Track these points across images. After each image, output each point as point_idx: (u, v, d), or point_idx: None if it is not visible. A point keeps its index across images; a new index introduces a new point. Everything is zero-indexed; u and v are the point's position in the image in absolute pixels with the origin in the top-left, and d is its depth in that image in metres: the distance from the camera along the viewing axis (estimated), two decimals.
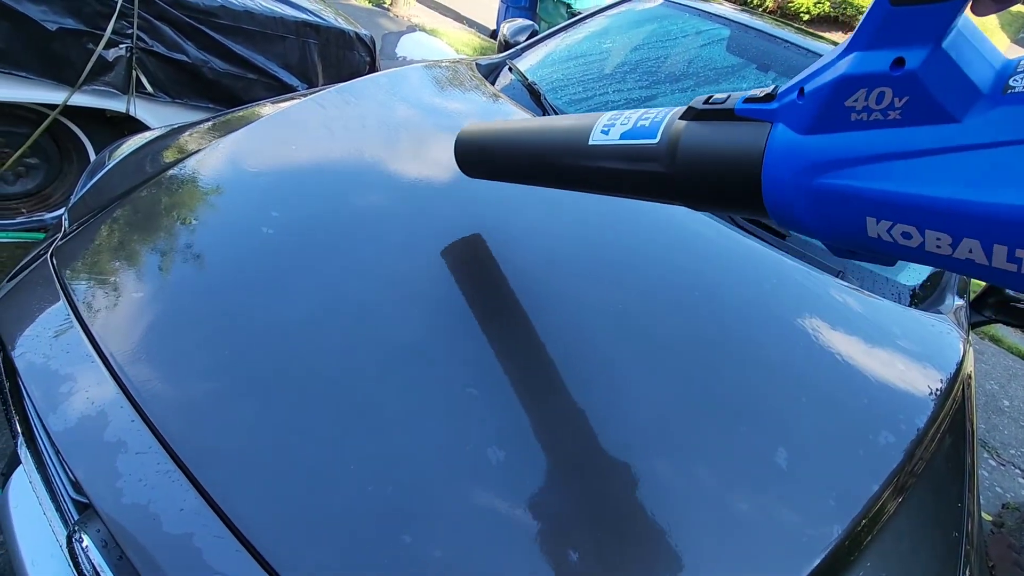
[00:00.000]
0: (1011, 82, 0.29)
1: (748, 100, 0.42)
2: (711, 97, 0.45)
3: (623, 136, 0.50)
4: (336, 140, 1.18)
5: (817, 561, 0.65)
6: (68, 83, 1.79)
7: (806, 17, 8.44)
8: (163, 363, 0.68)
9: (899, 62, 0.30)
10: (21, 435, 0.79)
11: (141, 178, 1.00)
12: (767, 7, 8.61)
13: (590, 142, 0.53)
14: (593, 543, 0.58)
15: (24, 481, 1.06)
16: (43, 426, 0.67)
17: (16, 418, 0.79)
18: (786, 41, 1.77)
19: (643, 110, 0.52)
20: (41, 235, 2.00)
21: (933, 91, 0.29)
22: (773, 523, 0.68)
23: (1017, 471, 3.27)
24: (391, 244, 0.87)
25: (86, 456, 0.62)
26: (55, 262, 0.82)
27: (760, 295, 1.05)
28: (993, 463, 3.26)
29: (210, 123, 1.24)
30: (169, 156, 1.08)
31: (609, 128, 0.52)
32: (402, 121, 1.33)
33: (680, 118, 0.47)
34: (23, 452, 0.79)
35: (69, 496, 0.67)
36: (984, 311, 1.55)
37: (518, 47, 2.00)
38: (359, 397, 0.65)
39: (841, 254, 0.40)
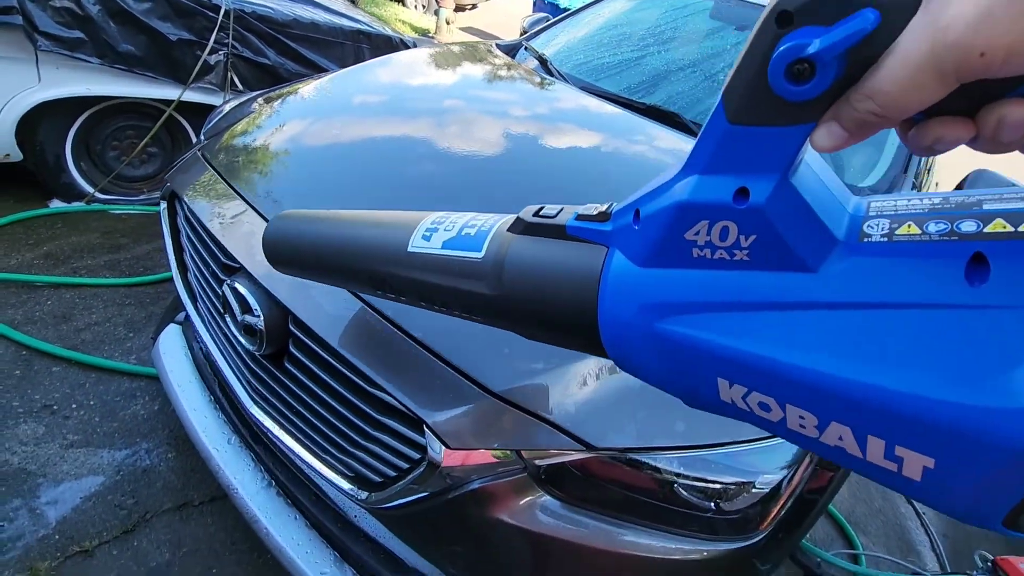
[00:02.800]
0: (866, 228, 0.24)
1: (581, 217, 0.36)
2: (541, 208, 0.40)
3: (445, 245, 0.43)
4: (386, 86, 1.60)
5: None
6: (181, 82, 2.31)
7: None
8: (278, 195, 1.08)
9: (743, 193, 0.24)
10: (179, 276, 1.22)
11: (251, 110, 1.44)
12: None
13: (409, 248, 0.45)
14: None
15: (173, 335, 1.49)
16: (203, 233, 1.08)
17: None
18: None
19: (472, 215, 0.46)
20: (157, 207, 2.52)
21: (783, 232, 0.24)
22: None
23: None
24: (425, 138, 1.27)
25: (232, 239, 1.02)
26: (202, 153, 1.25)
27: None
28: None
29: (289, 87, 1.68)
30: (271, 98, 1.53)
31: (431, 233, 0.45)
32: (440, 77, 1.75)
33: (508, 230, 0.41)
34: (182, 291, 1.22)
35: (221, 263, 1.05)
36: None
37: (533, 31, 2.39)
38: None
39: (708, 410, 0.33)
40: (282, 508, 1.18)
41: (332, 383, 0.90)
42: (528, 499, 0.83)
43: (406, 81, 1.75)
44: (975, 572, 1.84)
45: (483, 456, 0.81)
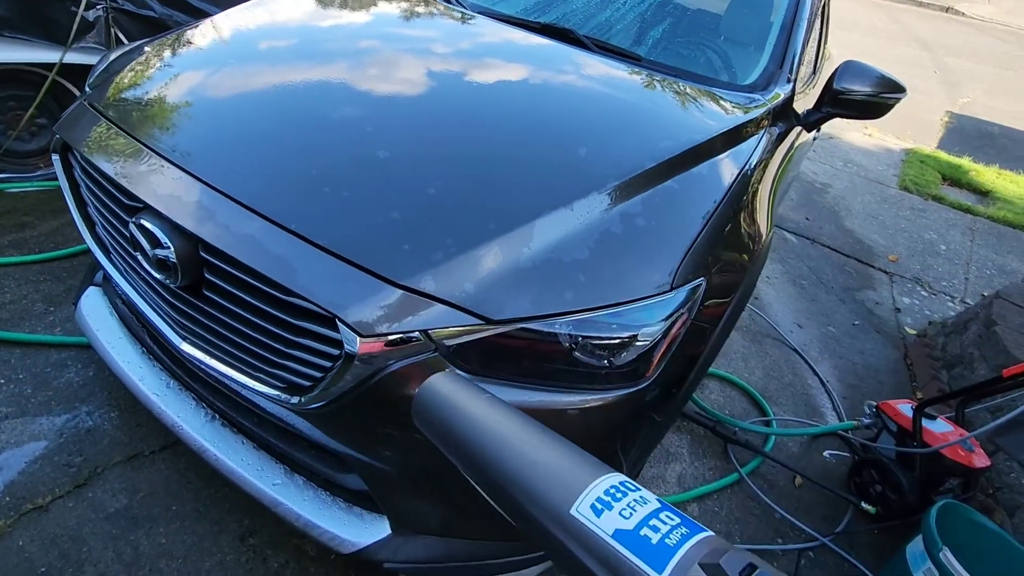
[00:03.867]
0: None
1: None
2: (752, 567, 0.35)
3: (618, 536, 0.36)
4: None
5: (604, 187, 1.06)
6: (61, 44, 2.17)
7: None
8: (172, 132, 1.09)
9: None
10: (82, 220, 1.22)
11: (135, 58, 1.41)
12: None
13: (572, 510, 0.38)
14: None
15: (94, 297, 1.49)
16: (101, 179, 1.08)
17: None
18: None
19: (666, 510, 0.38)
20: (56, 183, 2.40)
21: None
22: (575, 167, 1.10)
23: (948, 298, 3.65)
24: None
25: (131, 178, 1.04)
26: (89, 103, 1.23)
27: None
28: (925, 293, 3.65)
29: (174, 32, 1.63)
30: (158, 43, 1.48)
31: (604, 508, 0.37)
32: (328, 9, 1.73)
33: (701, 565, 0.34)
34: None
35: (124, 204, 1.07)
36: (822, 108, 1.91)
37: None
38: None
39: None
40: (228, 436, 1.26)
41: (250, 300, 0.96)
42: None
43: (294, 15, 1.72)
44: (863, 418, 2.13)
45: (396, 341, 0.90)
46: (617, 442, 1.11)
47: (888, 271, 3.77)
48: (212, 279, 1.00)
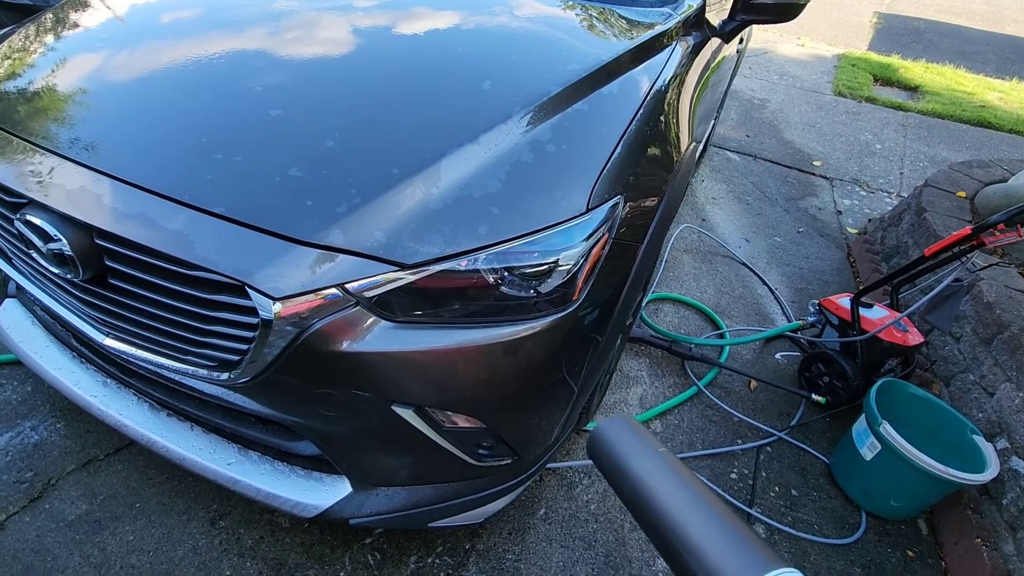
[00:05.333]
0: None
1: None
2: None
3: None
4: None
5: (511, 118, 1.05)
6: None
7: None
8: (44, 120, 1.02)
9: None
10: None
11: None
12: None
13: None
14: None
15: (11, 308, 1.42)
16: None
17: None
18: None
19: None
20: None
21: None
22: (479, 101, 1.07)
23: (885, 195, 3.77)
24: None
25: (6, 173, 0.97)
26: None
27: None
28: (863, 193, 3.76)
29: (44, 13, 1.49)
30: (23, 27, 1.36)
31: None
32: None
33: None
34: None
35: (7, 203, 1.01)
36: (736, 16, 1.89)
37: None
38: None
39: None
40: (175, 424, 1.24)
41: (158, 281, 0.93)
42: (367, 327, 0.93)
43: None
44: (808, 317, 2.22)
45: (312, 300, 0.88)
46: (562, 366, 1.13)
47: (828, 176, 3.87)
48: (115, 266, 0.96)
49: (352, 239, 0.89)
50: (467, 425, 1.07)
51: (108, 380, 1.29)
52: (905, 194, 3.68)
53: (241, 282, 0.86)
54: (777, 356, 2.26)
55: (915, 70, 5.79)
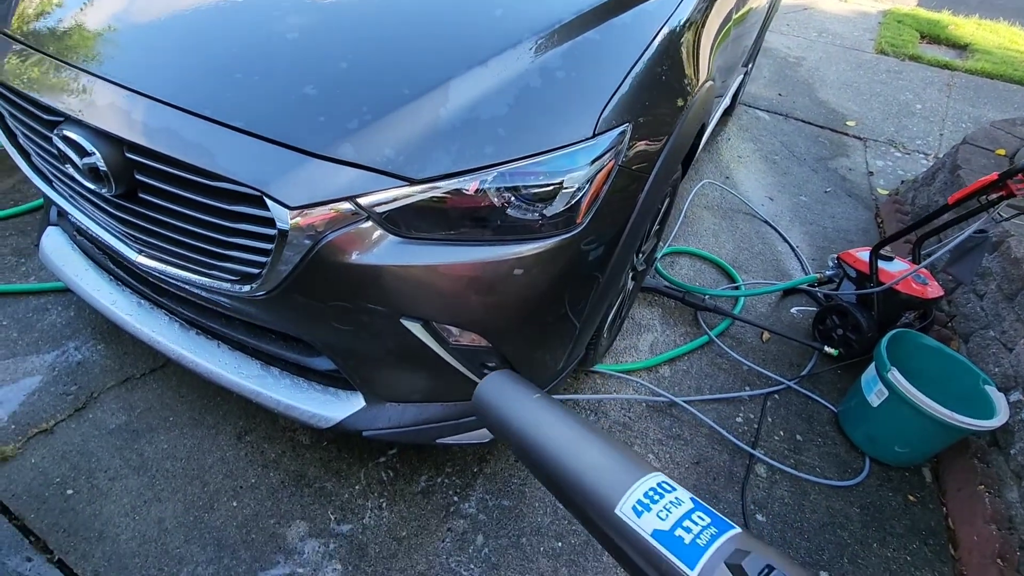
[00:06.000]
0: None
1: None
2: (770, 569, 0.38)
3: (656, 535, 0.40)
4: None
5: (521, 43, 1.07)
6: None
7: None
8: (79, 42, 1.08)
9: None
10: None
11: None
12: None
13: (617, 510, 0.42)
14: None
15: (53, 236, 1.52)
16: (18, 98, 1.08)
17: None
18: None
19: (689, 502, 0.42)
20: None
21: None
22: (490, 27, 1.09)
23: (920, 155, 3.64)
24: None
25: (44, 90, 1.04)
26: None
27: None
28: (898, 154, 3.63)
29: None
30: None
31: (644, 510, 0.41)
32: None
33: (727, 564, 0.38)
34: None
35: (44, 120, 1.08)
36: None
37: None
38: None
39: None
40: (203, 342, 1.32)
41: (183, 194, 0.99)
42: (376, 241, 0.97)
43: None
44: (826, 271, 2.20)
45: (325, 212, 0.93)
46: (565, 292, 1.17)
47: (862, 137, 3.74)
48: (144, 180, 1.02)
49: (363, 154, 0.93)
50: (473, 343, 1.12)
51: (142, 301, 1.38)
52: (942, 156, 3.54)
53: (259, 191, 0.91)
54: (793, 310, 2.26)
55: (966, 27, 5.47)
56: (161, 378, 1.59)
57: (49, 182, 1.29)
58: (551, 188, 1.02)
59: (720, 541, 0.40)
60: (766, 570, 0.37)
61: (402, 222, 0.98)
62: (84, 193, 1.16)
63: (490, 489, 1.46)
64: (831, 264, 2.20)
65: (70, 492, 1.31)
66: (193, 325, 1.34)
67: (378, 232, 0.97)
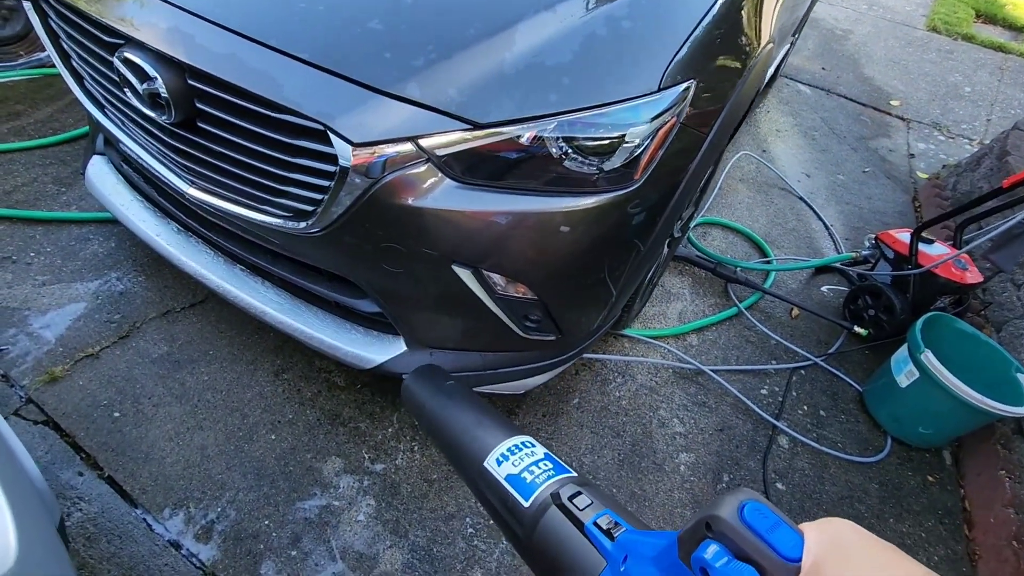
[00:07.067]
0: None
1: (596, 525, 0.41)
2: (578, 495, 0.45)
3: (508, 478, 0.48)
4: None
5: None
6: None
7: None
8: None
9: None
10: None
11: None
12: None
13: (484, 463, 0.50)
14: None
15: (99, 165, 1.53)
16: (78, 19, 1.07)
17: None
18: None
19: (542, 455, 0.50)
20: (48, 70, 2.35)
21: None
22: None
23: (965, 140, 3.53)
24: None
25: (107, 11, 1.03)
26: None
27: None
28: (942, 138, 3.52)
29: None
30: None
31: (504, 460, 0.49)
32: None
33: (551, 495, 0.46)
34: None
35: (105, 43, 1.07)
36: None
37: None
38: None
39: None
40: (249, 278, 1.34)
41: (244, 124, 0.99)
42: (434, 184, 0.97)
43: None
44: (862, 251, 2.17)
45: (386, 151, 0.93)
46: (605, 261, 1.16)
47: (905, 117, 3.62)
48: (205, 108, 1.02)
49: (427, 93, 0.92)
50: (519, 294, 1.13)
51: (188, 234, 1.40)
52: (989, 142, 3.43)
53: (323, 125, 0.91)
54: (823, 289, 2.24)
55: None
56: (201, 313, 1.62)
57: (102, 108, 1.29)
58: (611, 141, 1.00)
59: (553, 480, 0.48)
60: (576, 493, 0.44)
61: (460, 167, 0.97)
62: (139, 120, 1.16)
63: None
64: (867, 244, 2.17)
65: (117, 415, 1.36)
66: (238, 261, 1.36)
67: (436, 175, 0.97)
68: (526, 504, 0.46)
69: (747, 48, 1.28)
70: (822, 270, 2.30)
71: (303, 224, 1.05)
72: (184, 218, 1.37)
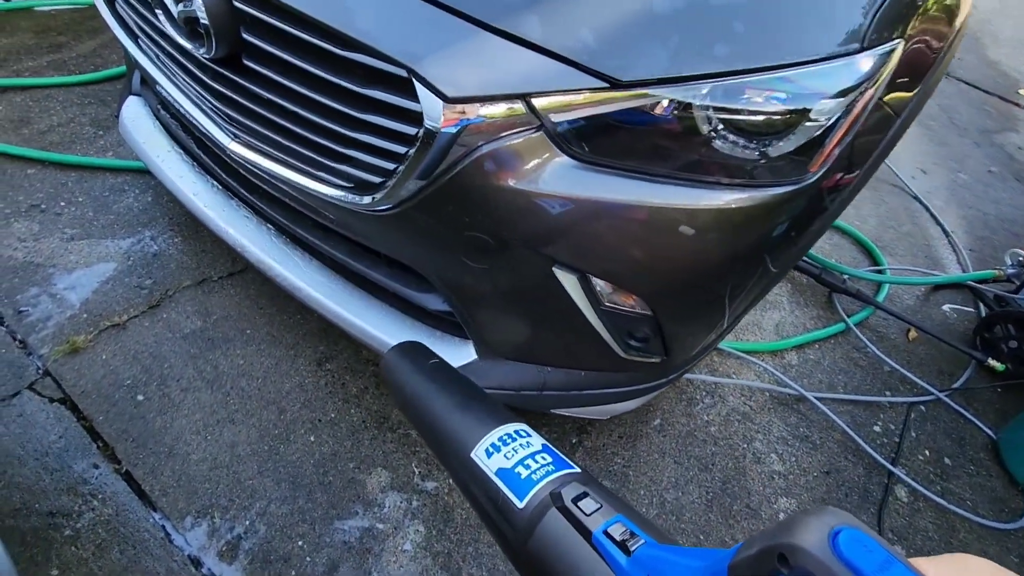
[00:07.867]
0: None
1: (607, 535, 0.36)
2: (583, 497, 0.38)
3: (498, 473, 0.42)
4: None
5: None
6: None
7: None
8: None
9: None
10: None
11: None
12: None
13: (472, 453, 0.45)
14: None
15: (134, 106, 1.33)
16: None
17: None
18: None
19: (539, 446, 0.44)
20: (89, 1, 2.17)
21: None
22: None
23: None
24: None
25: None
26: None
27: None
28: None
29: None
30: None
31: (495, 451, 0.43)
32: None
33: (550, 495, 0.40)
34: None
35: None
36: None
37: None
38: None
39: None
40: (296, 255, 1.13)
41: (302, 64, 0.76)
42: (545, 161, 0.73)
43: None
44: (1004, 268, 1.83)
45: (487, 110, 0.68)
46: (740, 273, 0.90)
47: None
48: (252, 40, 0.79)
49: (551, 35, 0.67)
50: (629, 308, 0.88)
51: (230, 195, 1.20)
52: None
53: (408, 68, 0.67)
54: (944, 308, 1.91)
55: None
56: (239, 284, 1.43)
57: (134, 37, 1.08)
58: (789, 117, 0.73)
59: (553, 477, 0.41)
60: (582, 494, 0.38)
61: (581, 140, 0.72)
62: (175, 54, 0.94)
63: (591, 467, 1.27)
64: (1010, 261, 1.83)
65: (141, 398, 1.19)
66: (285, 233, 1.15)
67: (549, 150, 0.72)
68: (520, 505, 0.40)
69: (953, 7, 0.97)
70: (942, 284, 1.97)
71: (368, 199, 0.82)
72: (225, 177, 1.16)
